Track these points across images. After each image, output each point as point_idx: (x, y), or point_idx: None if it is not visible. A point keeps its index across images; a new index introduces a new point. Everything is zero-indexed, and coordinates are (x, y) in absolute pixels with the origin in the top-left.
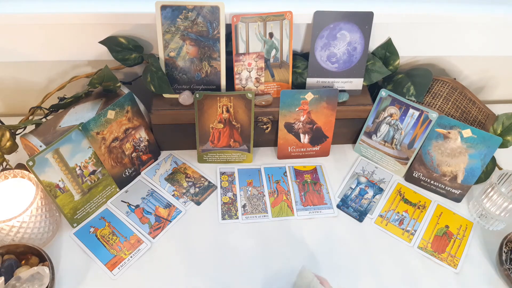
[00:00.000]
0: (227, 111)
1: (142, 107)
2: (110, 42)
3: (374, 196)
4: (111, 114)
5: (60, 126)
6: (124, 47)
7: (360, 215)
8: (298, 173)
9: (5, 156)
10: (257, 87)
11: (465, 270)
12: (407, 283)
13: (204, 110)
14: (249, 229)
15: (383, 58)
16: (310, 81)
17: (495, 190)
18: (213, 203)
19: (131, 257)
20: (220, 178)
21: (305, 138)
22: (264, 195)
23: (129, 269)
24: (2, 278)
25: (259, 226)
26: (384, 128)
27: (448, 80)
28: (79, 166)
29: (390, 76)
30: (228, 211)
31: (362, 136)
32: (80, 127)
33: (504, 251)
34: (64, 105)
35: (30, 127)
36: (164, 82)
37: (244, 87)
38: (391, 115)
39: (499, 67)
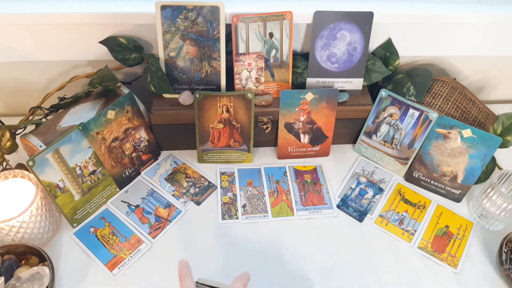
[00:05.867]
0: (227, 111)
1: (142, 107)
2: (110, 42)
3: (374, 196)
4: (111, 114)
5: (60, 126)
6: (124, 47)
7: (360, 215)
8: (298, 173)
9: (5, 156)
10: (257, 87)
11: (465, 270)
12: (407, 283)
13: (204, 110)
14: (249, 229)
15: (383, 58)
16: (310, 81)
17: (495, 190)
18: (213, 203)
19: (131, 257)
20: (220, 178)
21: (305, 138)
22: (264, 195)
23: (129, 269)
24: (2, 278)
25: (259, 226)
26: (384, 128)
27: (448, 80)
28: (79, 166)
29: (390, 76)
30: (228, 211)
31: (362, 136)
32: (80, 127)
33: (504, 251)
34: (64, 105)
35: (30, 127)
36: (164, 82)
37: (244, 87)
38: (391, 115)
39: (499, 67)
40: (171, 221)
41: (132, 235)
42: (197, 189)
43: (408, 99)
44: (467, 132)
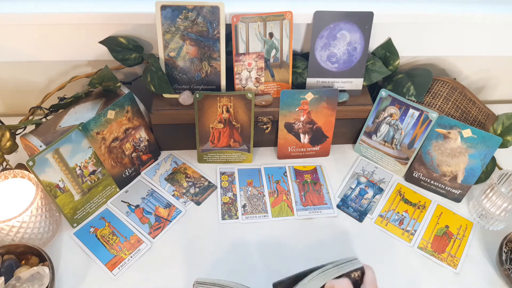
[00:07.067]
0: (227, 111)
1: (142, 107)
2: (110, 42)
3: (374, 196)
4: (111, 114)
5: (60, 126)
6: (124, 47)
7: (360, 215)
8: (298, 173)
9: (5, 156)
10: (257, 87)
11: (465, 270)
12: (407, 283)
13: (204, 110)
14: (249, 229)
15: (383, 58)
16: (310, 81)
17: (495, 190)
18: (213, 203)
19: (131, 257)
20: (220, 178)
21: (305, 138)
22: (264, 195)
23: (129, 269)
24: (2, 278)
25: (259, 226)
26: (384, 128)
27: (448, 80)
28: (79, 166)
29: (390, 76)
30: (228, 211)
31: (362, 136)
32: (80, 127)
33: (504, 251)
34: (64, 105)
35: (30, 127)
36: (164, 82)
37: (244, 87)
38: (391, 115)
39: (499, 67)
40: (171, 221)
41: (132, 235)
42: (197, 189)
43: (408, 99)
44: (467, 132)
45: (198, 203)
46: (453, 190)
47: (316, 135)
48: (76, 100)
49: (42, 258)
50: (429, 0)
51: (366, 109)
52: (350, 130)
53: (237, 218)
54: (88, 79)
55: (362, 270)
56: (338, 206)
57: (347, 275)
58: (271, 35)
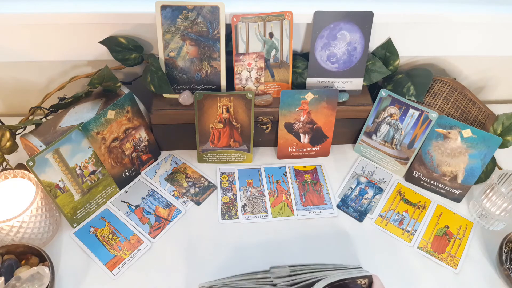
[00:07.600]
0: (227, 111)
1: (142, 107)
2: (110, 42)
3: (374, 196)
4: (111, 114)
5: (60, 126)
6: (124, 47)
7: (360, 215)
8: (298, 173)
9: (5, 156)
10: (257, 87)
11: (465, 270)
12: (407, 283)
13: (204, 110)
14: (249, 229)
15: (383, 58)
16: (310, 81)
17: (495, 190)
18: (213, 203)
19: (131, 257)
20: (220, 178)
21: (305, 138)
22: (264, 195)
23: (129, 269)
24: (2, 278)
25: (259, 226)
26: (384, 128)
27: (448, 80)
28: (79, 166)
29: (390, 76)
30: (228, 211)
31: (362, 136)
32: (80, 127)
33: (504, 251)
34: (64, 105)
35: (30, 127)
36: (164, 82)
37: (244, 87)
38: (391, 115)
39: (499, 67)
40: (171, 221)
41: (132, 235)
42: (197, 189)
43: (408, 99)
44: (467, 132)
45: (198, 203)
46: (453, 190)
47: (316, 135)
48: (76, 100)
49: (42, 258)
50: (429, 0)
51: (366, 109)
52: (350, 130)
53: (237, 218)
54: (88, 79)
55: (370, 279)
56: (338, 206)
57: (353, 280)
58: (271, 35)
